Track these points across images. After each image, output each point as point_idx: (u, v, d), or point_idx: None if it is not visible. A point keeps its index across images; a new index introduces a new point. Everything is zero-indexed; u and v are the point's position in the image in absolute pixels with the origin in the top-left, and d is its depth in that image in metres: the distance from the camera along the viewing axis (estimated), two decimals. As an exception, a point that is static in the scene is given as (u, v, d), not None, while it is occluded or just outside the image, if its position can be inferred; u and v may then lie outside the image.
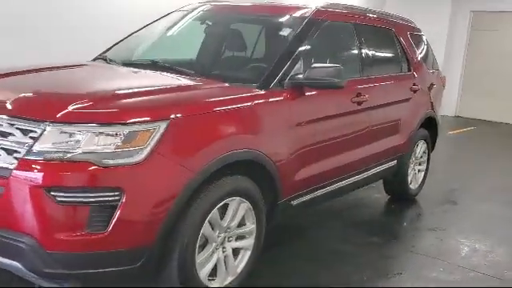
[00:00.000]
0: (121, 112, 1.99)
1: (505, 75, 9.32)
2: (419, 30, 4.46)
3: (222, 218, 2.32)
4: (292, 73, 2.65)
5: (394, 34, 3.88)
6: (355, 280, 2.79)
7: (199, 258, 2.22)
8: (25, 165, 1.88)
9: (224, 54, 3.33)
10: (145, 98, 2.15)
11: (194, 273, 2.19)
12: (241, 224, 2.44)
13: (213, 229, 2.28)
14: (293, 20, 3.02)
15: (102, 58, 3.14)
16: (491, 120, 9.51)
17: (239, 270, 2.46)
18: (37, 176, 1.86)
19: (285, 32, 2.96)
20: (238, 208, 2.38)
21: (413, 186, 4.26)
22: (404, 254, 3.26)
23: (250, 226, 2.48)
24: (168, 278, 2.16)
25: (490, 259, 3.23)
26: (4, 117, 1.98)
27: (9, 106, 2.02)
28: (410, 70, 4.00)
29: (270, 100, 2.53)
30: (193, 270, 2.18)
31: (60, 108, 1.96)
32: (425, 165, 4.42)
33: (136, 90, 2.26)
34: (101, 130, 1.92)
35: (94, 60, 3.16)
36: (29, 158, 1.89)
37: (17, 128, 1.96)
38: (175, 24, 3.42)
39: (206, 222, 2.20)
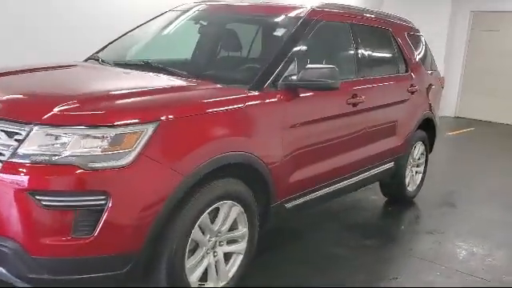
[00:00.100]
0: (108, 114, 1.94)
1: (505, 76, 9.27)
2: (417, 30, 4.41)
3: (213, 222, 2.27)
4: (286, 74, 2.60)
5: (391, 34, 3.84)
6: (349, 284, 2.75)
7: (189, 262, 2.17)
8: (9, 168, 1.84)
9: (218, 54, 3.28)
10: (133, 99, 2.11)
11: (183, 278, 2.15)
12: (232, 228, 2.39)
13: (203, 233, 2.23)
14: (287, 20, 2.97)
15: (94, 58, 3.09)
16: (491, 121, 9.46)
17: (231, 274, 2.42)
18: (22, 179, 1.82)
19: (279, 32, 2.92)
20: (230, 211, 2.34)
21: (410, 188, 4.21)
22: (401, 258, 3.22)
23: (242, 229, 2.43)
24: (156, 283, 2.11)
25: (488, 263, 3.18)
26: None
27: (-6, 108, 1.98)
28: (407, 71, 3.95)
29: (263, 101, 2.48)
30: (182, 275, 2.14)
31: (46, 110, 1.92)
32: (423, 167, 4.37)
33: (124, 91, 2.21)
34: (87, 133, 1.88)
35: (87, 60, 3.12)
36: (14, 160, 1.85)
37: (1, 130, 1.92)
38: (169, 24, 3.37)
39: (196, 226, 2.16)
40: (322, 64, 2.83)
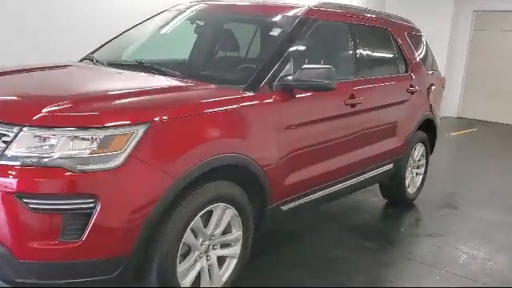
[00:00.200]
0: (97, 115, 1.90)
1: (508, 76, 9.19)
2: (418, 30, 4.35)
3: (206, 225, 2.23)
4: (282, 74, 2.56)
5: (390, 34, 3.78)
6: (347, 288, 2.71)
7: (181, 267, 2.13)
8: (-4, 170, 1.80)
9: (213, 54, 3.24)
10: (123, 100, 2.07)
11: (175, 282, 2.10)
12: (226, 231, 2.35)
13: (196, 237, 2.19)
14: (284, 19, 2.92)
15: (89, 58, 3.06)
16: (494, 121, 9.38)
17: (225, 278, 2.37)
18: (9, 182, 1.79)
19: (275, 32, 2.86)
20: (223, 214, 2.29)
21: (410, 190, 4.16)
22: (400, 262, 3.16)
23: (236, 233, 2.38)
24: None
25: (489, 267, 3.12)
26: None
27: (-18, 109, 1.95)
28: (407, 71, 3.89)
29: (258, 102, 2.44)
30: (174, 280, 2.10)
31: (34, 111, 1.88)
32: (423, 168, 4.31)
33: (115, 92, 2.17)
34: (76, 134, 1.84)
35: (82, 60, 3.09)
36: (1, 162, 1.82)
37: None
38: (165, 24, 3.33)
39: (188, 229, 2.11)
40: (319, 64, 2.78)
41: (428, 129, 4.22)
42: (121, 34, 3.37)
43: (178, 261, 2.10)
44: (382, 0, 9.57)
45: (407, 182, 4.05)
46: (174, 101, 2.17)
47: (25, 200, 1.78)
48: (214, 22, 3.30)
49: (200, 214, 2.16)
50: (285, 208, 2.67)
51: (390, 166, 3.71)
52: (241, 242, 2.41)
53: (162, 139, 1.98)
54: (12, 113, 1.92)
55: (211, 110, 2.20)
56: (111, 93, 2.16)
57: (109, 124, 1.87)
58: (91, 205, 1.82)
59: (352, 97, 3.05)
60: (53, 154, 1.81)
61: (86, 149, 1.83)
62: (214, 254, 2.30)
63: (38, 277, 1.85)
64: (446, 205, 4.36)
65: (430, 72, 4.36)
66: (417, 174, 4.25)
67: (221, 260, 2.36)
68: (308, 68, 2.54)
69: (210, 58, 3.21)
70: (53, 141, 1.83)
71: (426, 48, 4.42)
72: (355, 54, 3.23)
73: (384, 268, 3.04)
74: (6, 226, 1.80)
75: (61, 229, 1.81)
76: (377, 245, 3.34)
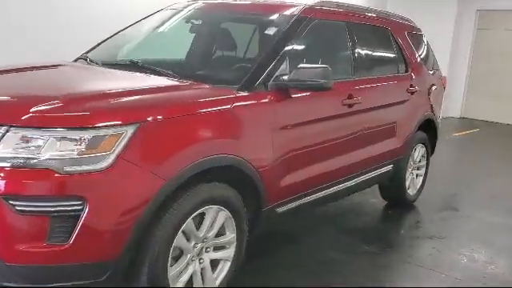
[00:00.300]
0: (84, 115, 1.86)
1: (511, 76, 9.09)
2: (418, 30, 4.29)
3: (198, 228, 2.18)
4: (277, 73, 2.51)
5: (389, 33, 3.72)
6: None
7: (172, 270, 2.09)
8: (-18, 171, 1.77)
9: (208, 53, 3.19)
10: (113, 100, 2.02)
11: (166, 285, 2.06)
12: (220, 234, 2.30)
13: (188, 239, 2.15)
14: (280, 18, 2.87)
15: (83, 57, 3.03)
16: (497, 121, 9.30)
17: (218, 281, 2.33)
18: (-5, 183, 1.75)
19: (271, 31, 2.82)
20: (217, 217, 2.25)
21: (411, 192, 4.10)
22: (399, 265, 3.10)
23: (230, 235, 2.34)
24: (138, 291, 2.03)
25: (490, 271, 3.06)
26: None
27: (-32, 109, 1.91)
28: (407, 71, 3.83)
29: (252, 102, 2.39)
30: (165, 283, 2.05)
31: (21, 111, 1.85)
32: (423, 169, 4.25)
33: (105, 92, 2.13)
34: (63, 135, 1.80)
35: (76, 60, 3.05)
36: (-13, 164, 1.78)
37: None
38: (160, 23, 3.30)
39: (180, 232, 2.07)
40: (316, 64, 2.73)
41: (429, 129, 4.16)
42: (116, 34, 3.33)
43: (169, 264, 2.06)
44: (384, 0, 9.49)
45: (407, 183, 3.99)
46: (164, 101, 2.12)
47: (11, 202, 1.74)
48: (210, 21, 3.25)
49: (192, 217, 2.12)
50: (280, 210, 2.63)
51: (390, 167, 3.66)
52: (235, 244, 2.36)
53: (152, 140, 1.94)
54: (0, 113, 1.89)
55: (203, 110, 2.15)
56: (100, 93, 2.11)
57: (97, 124, 1.83)
58: (79, 207, 1.78)
59: (350, 97, 3.00)
60: (40, 155, 1.78)
61: (73, 150, 1.80)
62: (207, 257, 2.26)
63: (25, 280, 1.82)
64: (446, 206, 4.30)
65: (431, 72, 4.30)
66: (417, 175, 4.19)
67: (214, 263, 2.32)
68: (304, 67, 2.50)
69: (206, 57, 3.17)
70: (40, 141, 1.79)
71: (427, 47, 4.36)
72: (353, 53, 3.18)
73: (382, 271, 2.99)
74: (-8, 228, 1.76)
75: (48, 231, 1.78)
76: (375, 247, 3.28)
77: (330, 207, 3.84)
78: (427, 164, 4.29)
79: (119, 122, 1.86)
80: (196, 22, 3.21)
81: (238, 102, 2.31)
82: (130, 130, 1.87)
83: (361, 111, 3.12)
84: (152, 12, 3.45)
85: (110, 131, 1.84)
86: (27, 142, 1.80)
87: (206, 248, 2.26)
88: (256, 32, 3.10)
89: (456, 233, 3.67)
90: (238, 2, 3.24)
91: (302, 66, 2.51)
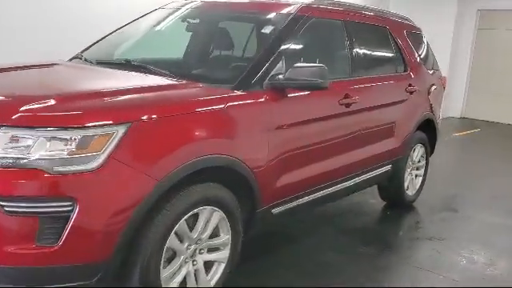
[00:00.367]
0: (74, 115, 1.83)
1: (512, 76, 9.05)
2: (418, 29, 4.25)
3: (192, 229, 2.15)
4: (273, 72, 2.48)
5: (388, 32, 3.68)
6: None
7: (165, 272, 2.06)
8: (-30, 172, 1.74)
9: (204, 52, 3.16)
10: (104, 99, 1.99)
11: (158, 287, 2.03)
12: (214, 235, 2.27)
13: (181, 241, 2.11)
14: (277, 17, 2.84)
15: (79, 57, 3.00)
16: (498, 121, 9.24)
17: (212, 284, 2.30)
18: (-17, 184, 1.72)
19: (267, 30, 2.79)
20: (211, 218, 2.22)
21: (410, 192, 4.06)
22: (397, 266, 3.07)
23: (225, 236, 2.31)
24: (130, 293, 2.00)
25: (489, 273, 3.02)
26: None
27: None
28: (405, 70, 3.79)
29: (247, 102, 2.36)
30: (157, 285, 2.02)
31: (11, 110, 1.82)
32: (423, 169, 4.20)
33: (96, 91, 2.10)
34: (53, 135, 1.77)
35: (71, 59, 3.03)
36: (-24, 164, 1.75)
37: None
38: (157, 22, 3.26)
39: (173, 233, 2.04)
40: (313, 63, 2.69)
41: (428, 129, 4.12)
42: (112, 33, 3.30)
43: (161, 266, 2.03)
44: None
45: (406, 183, 3.95)
46: (156, 100, 2.09)
47: (0, 203, 1.71)
48: (207, 20, 3.22)
49: (185, 218, 2.08)
50: (276, 211, 2.59)
51: (388, 167, 3.62)
52: (229, 246, 2.33)
53: (144, 140, 1.91)
54: None
55: (196, 110, 2.12)
56: (91, 92, 2.09)
57: (87, 124, 1.80)
58: (69, 208, 1.76)
59: (347, 96, 2.96)
60: (29, 154, 1.75)
61: (63, 150, 1.77)
62: (200, 259, 2.23)
63: (14, 282, 1.79)
64: (446, 207, 4.25)
65: (431, 71, 4.26)
66: (416, 175, 4.15)
67: (208, 265, 2.29)
68: (300, 66, 2.46)
69: (201, 56, 3.14)
70: (29, 141, 1.76)
71: (427, 47, 4.32)
72: (351, 52, 3.14)
73: (380, 273, 2.95)
74: (-19, 229, 1.74)
75: (37, 233, 1.75)
76: (374, 248, 3.25)
77: (328, 207, 3.80)
78: (427, 164, 4.25)
79: (110, 122, 1.83)
80: (192, 21, 3.18)
81: (232, 101, 2.28)
82: (121, 130, 1.84)
83: (358, 111, 3.08)
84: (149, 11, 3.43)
85: (101, 131, 1.81)
86: (17, 141, 1.77)
87: (200, 249, 2.22)
88: (253, 31, 3.07)
89: (456, 234, 3.63)
90: (234, 1, 3.21)
91: (297, 65, 2.47)
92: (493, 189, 4.93)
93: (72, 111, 1.85)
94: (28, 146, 1.76)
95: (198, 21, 3.21)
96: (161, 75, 2.50)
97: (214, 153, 2.15)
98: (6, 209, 1.72)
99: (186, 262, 2.16)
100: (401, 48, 3.78)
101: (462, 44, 9.45)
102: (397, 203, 4.07)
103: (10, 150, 1.76)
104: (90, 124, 1.80)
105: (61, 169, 1.75)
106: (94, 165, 1.78)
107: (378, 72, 3.46)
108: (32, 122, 1.79)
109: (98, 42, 3.24)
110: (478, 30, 9.44)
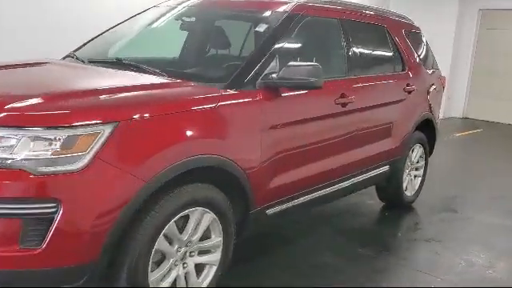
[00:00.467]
0: (59, 114, 1.79)
1: (514, 76, 8.97)
2: (417, 28, 4.20)
3: (182, 231, 2.11)
4: (266, 71, 2.43)
5: (385, 31, 3.63)
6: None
7: (153, 275, 2.01)
8: (-47, 172, 1.70)
9: (198, 51, 3.12)
10: (90, 98, 1.94)
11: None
12: (205, 237, 2.23)
13: (170, 243, 2.07)
14: (271, 15, 2.79)
15: (71, 55, 2.96)
16: (500, 122, 9.17)
17: (204, 286, 2.25)
18: (-35, 185, 1.68)
19: (261, 28, 2.73)
20: (201, 219, 2.17)
21: (408, 193, 4.00)
22: (395, 268, 3.01)
23: (216, 238, 2.26)
24: (117, 297, 1.96)
25: (488, 275, 2.96)
26: None
27: None
28: (404, 70, 3.74)
29: (239, 101, 2.31)
30: (144, 285, 1.97)
31: (-6, 109, 1.77)
32: (422, 170, 4.15)
33: (84, 89, 2.06)
34: (37, 134, 1.73)
35: (64, 58, 2.99)
36: (-42, 164, 1.71)
37: None
38: (151, 21, 3.22)
39: (161, 235, 1.99)
40: (308, 62, 2.64)
41: (427, 129, 4.06)
42: (106, 31, 3.26)
43: (149, 269, 1.98)
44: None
45: (405, 184, 3.90)
46: (144, 99, 2.04)
47: (-18, 204, 1.68)
48: (200, 18, 3.18)
49: (175, 219, 2.04)
50: (270, 212, 2.54)
51: (386, 167, 3.56)
52: (221, 248, 2.28)
53: (131, 139, 1.86)
54: None
55: (185, 109, 2.07)
56: (78, 91, 2.04)
57: (72, 123, 1.76)
58: (53, 209, 1.71)
59: (343, 96, 2.91)
60: (13, 155, 1.71)
61: (47, 150, 1.72)
62: (191, 262, 2.18)
63: (-2, 285, 1.75)
64: (445, 208, 4.20)
65: (430, 71, 4.21)
66: (415, 176, 4.09)
67: (199, 267, 2.24)
68: (294, 65, 2.41)
69: (195, 55, 3.10)
70: (13, 141, 1.72)
71: (426, 47, 4.26)
72: (347, 51, 3.09)
73: (377, 275, 2.90)
74: (-37, 231, 1.69)
75: (20, 235, 1.71)
76: (372, 250, 3.19)
77: (326, 207, 3.75)
78: (426, 165, 4.19)
79: (96, 121, 1.79)
80: (186, 20, 3.13)
81: (223, 100, 2.23)
82: (107, 130, 1.79)
83: (354, 111, 3.03)
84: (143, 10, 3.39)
85: (86, 130, 1.77)
86: (0, 141, 1.73)
87: (191, 252, 2.18)
88: (247, 29, 3.02)
89: (455, 235, 3.58)
90: (228, 0, 3.17)
91: (291, 63, 2.42)
92: (492, 189, 4.87)
93: (57, 110, 1.81)
94: (11, 146, 1.72)
95: (191, 19, 3.17)
96: (152, 74, 2.45)
97: (205, 153, 2.10)
98: (-12, 210, 1.68)
99: (175, 265, 2.11)
100: (399, 47, 3.73)
101: (463, 44, 9.38)
102: (395, 204, 4.01)
103: (-6, 150, 1.72)
104: (75, 123, 1.76)
105: (45, 169, 1.71)
106: (79, 165, 1.74)
107: (375, 71, 3.40)
108: (15, 122, 1.75)
109: (91, 40, 3.20)
110: (479, 30, 9.37)
